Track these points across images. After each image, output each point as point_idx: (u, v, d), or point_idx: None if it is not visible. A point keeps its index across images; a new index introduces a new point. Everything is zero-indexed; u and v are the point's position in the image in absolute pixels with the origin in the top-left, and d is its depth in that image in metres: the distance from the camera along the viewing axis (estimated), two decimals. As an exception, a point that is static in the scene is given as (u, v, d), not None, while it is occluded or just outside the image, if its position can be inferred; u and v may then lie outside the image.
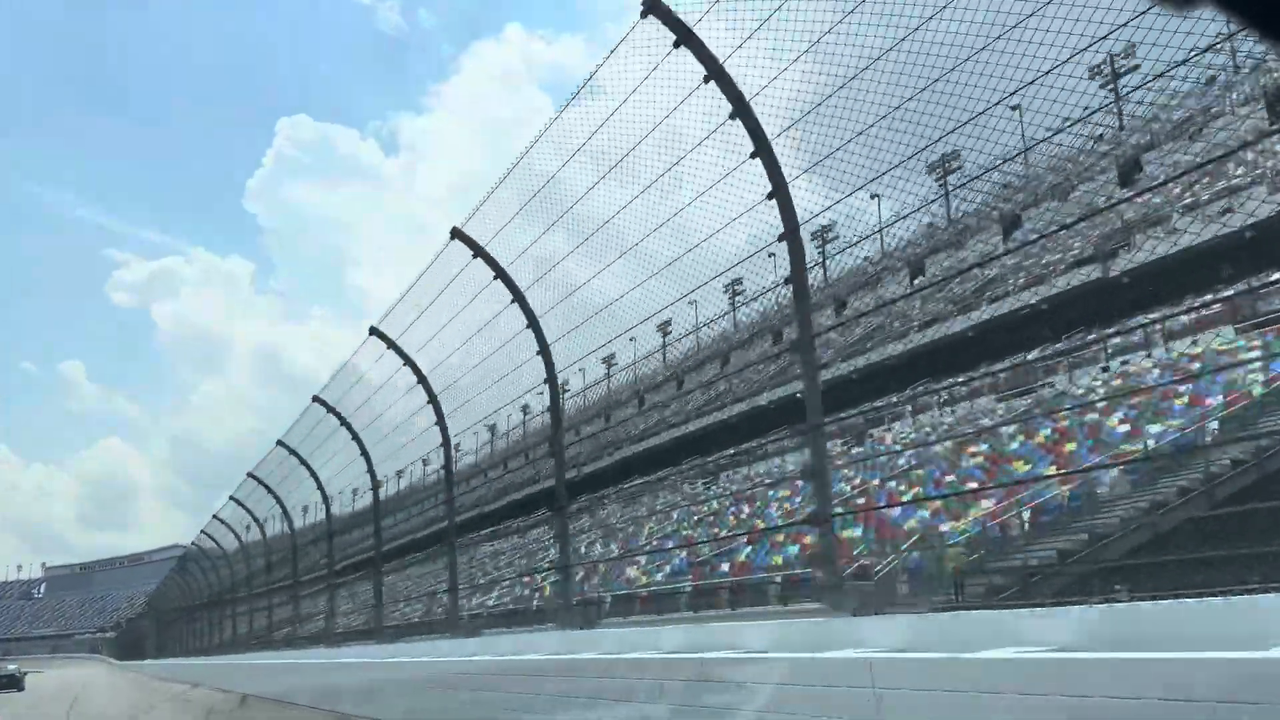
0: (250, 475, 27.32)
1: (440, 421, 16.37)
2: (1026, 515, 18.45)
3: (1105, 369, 23.83)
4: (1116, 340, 22.95)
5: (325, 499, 22.92)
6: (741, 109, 7.99)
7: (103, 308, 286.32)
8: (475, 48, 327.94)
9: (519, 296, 12.89)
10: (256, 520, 28.86)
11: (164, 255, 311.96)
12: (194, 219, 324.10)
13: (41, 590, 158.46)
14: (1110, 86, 21.99)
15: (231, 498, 30.42)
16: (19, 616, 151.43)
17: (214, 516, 33.77)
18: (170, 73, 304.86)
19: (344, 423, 19.76)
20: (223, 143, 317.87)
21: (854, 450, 29.66)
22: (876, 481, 24.84)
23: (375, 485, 19.52)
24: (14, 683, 44.53)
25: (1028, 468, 20.72)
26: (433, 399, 16.29)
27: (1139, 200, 23.88)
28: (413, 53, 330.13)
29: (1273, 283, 18.88)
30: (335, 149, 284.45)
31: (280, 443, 23.74)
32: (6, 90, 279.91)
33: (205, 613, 43.37)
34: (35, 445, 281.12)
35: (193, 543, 40.15)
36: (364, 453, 19.54)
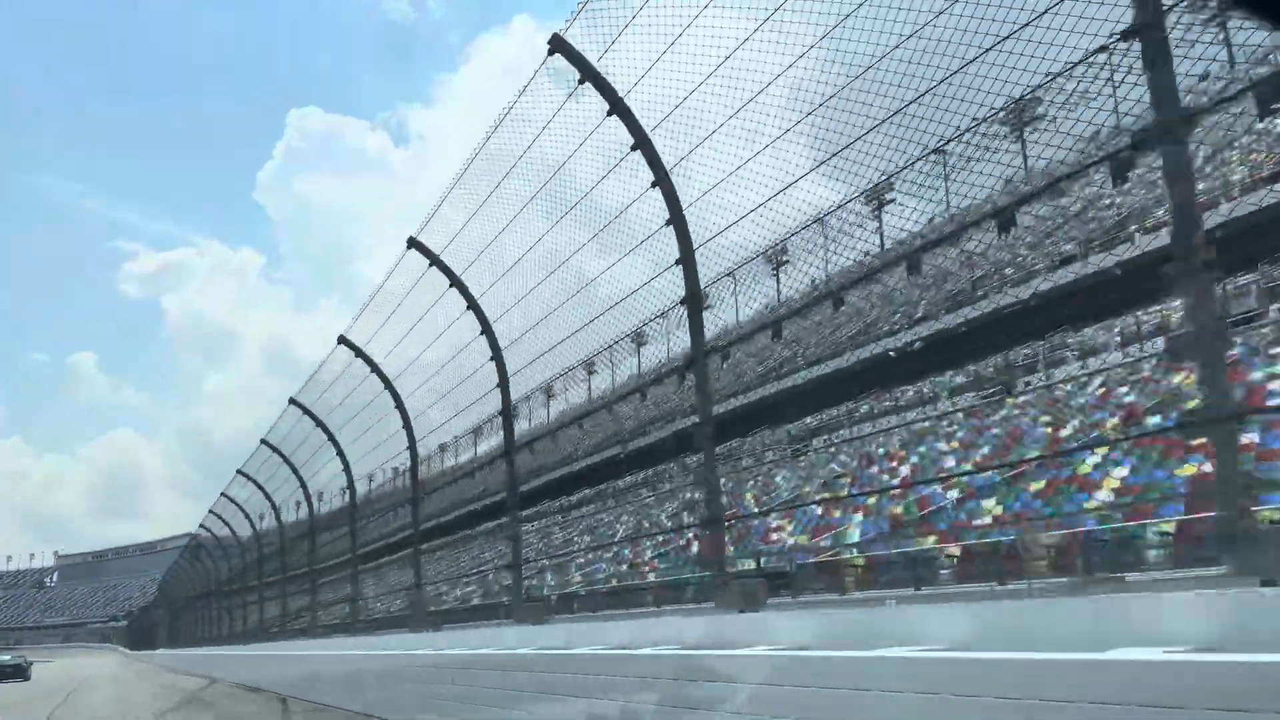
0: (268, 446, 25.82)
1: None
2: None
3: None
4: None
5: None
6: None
7: (113, 299, 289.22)
8: (483, 40, 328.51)
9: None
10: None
11: (175, 247, 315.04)
12: (205, 211, 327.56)
13: (54, 579, 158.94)
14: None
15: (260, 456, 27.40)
16: (31, 605, 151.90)
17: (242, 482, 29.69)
18: (180, 64, 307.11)
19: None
20: (233, 134, 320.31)
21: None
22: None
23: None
24: (19, 672, 44.56)
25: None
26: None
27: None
28: (421, 43, 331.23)
29: None
30: (345, 140, 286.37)
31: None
32: (16, 82, 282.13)
33: (222, 599, 40.69)
34: (47, 435, 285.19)
35: (205, 520, 37.62)
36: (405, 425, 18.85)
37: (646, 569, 29.55)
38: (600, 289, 11.12)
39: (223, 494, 32.16)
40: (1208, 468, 17.78)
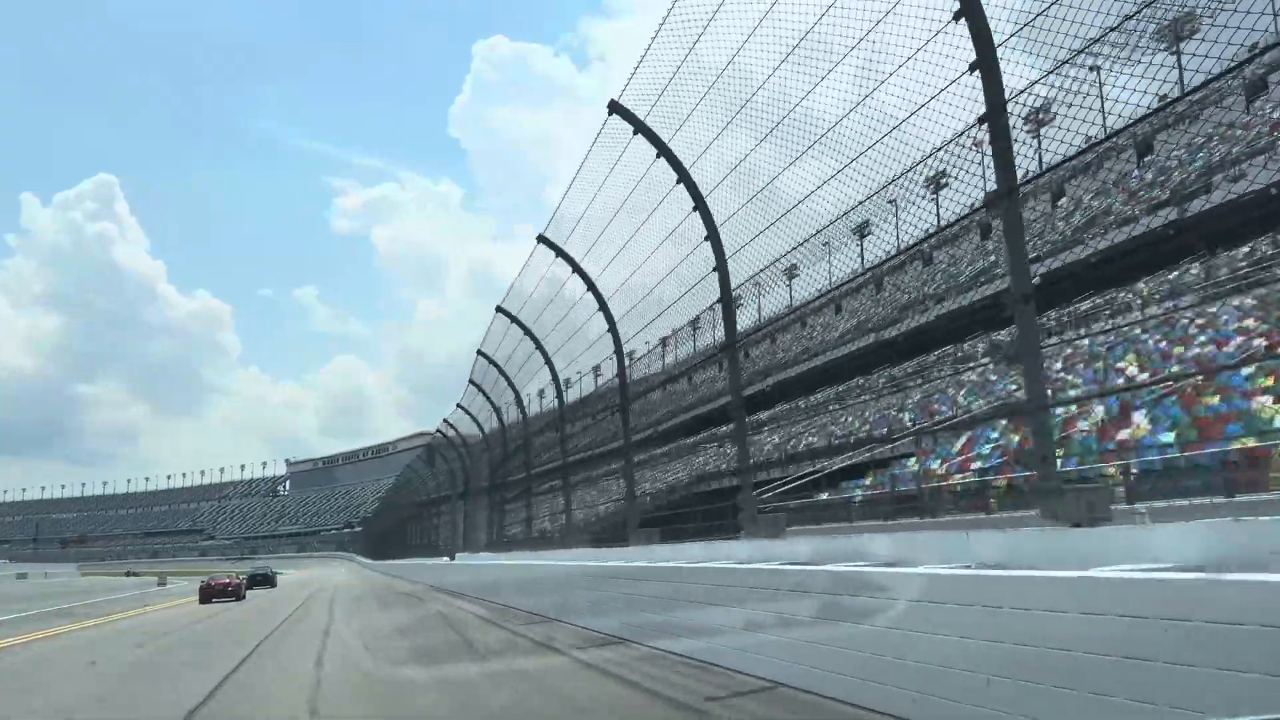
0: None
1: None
2: None
3: None
4: None
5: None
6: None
7: (327, 234, 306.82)
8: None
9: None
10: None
11: (380, 182, 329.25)
12: (405, 146, 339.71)
13: (286, 487, 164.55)
14: None
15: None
16: (266, 514, 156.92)
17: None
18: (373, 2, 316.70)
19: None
20: (426, 70, 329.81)
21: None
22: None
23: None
24: (267, 580, 47.45)
25: None
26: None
27: None
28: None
29: None
30: (529, 69, 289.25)
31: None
32: (231, 34, 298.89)
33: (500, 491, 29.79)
34: (280, 364, 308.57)
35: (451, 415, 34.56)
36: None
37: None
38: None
39: (458, 405, 31.91)
40: None
